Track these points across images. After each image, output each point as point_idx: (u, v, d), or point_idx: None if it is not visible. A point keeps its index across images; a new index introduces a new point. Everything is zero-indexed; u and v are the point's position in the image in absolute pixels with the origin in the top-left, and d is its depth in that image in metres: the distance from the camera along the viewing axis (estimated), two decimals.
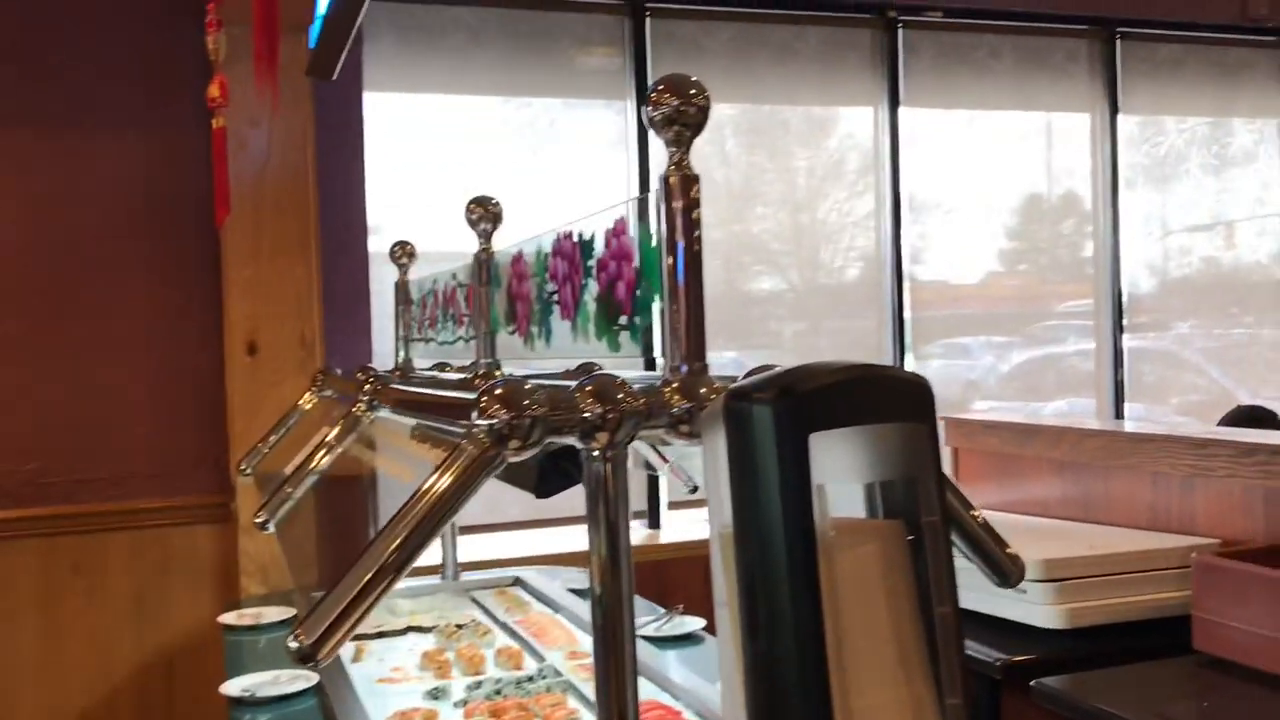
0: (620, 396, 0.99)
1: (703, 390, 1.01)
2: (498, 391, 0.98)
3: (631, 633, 1.00)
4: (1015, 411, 4.79)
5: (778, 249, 4.51)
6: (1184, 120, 5.10)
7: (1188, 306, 5.15)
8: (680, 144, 1.04)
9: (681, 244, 1.03)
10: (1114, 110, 4.89)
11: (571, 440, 1.01)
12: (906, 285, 4.56)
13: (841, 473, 0.91)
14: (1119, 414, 4.92)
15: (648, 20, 4.18)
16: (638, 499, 4.05)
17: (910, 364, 4.56)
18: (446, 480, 0.96)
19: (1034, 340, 4.93)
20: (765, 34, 4.38)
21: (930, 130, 4.67)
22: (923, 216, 4.66)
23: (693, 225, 1.03)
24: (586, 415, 0.98)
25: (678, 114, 1.02)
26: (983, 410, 4.70)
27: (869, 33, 4.53)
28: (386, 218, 3.76)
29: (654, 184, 1.05)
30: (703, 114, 1.03)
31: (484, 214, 1.73)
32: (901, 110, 4.55)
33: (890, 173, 4.54)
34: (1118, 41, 4.89)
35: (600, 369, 1.31)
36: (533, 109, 4.07)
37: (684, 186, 1.02)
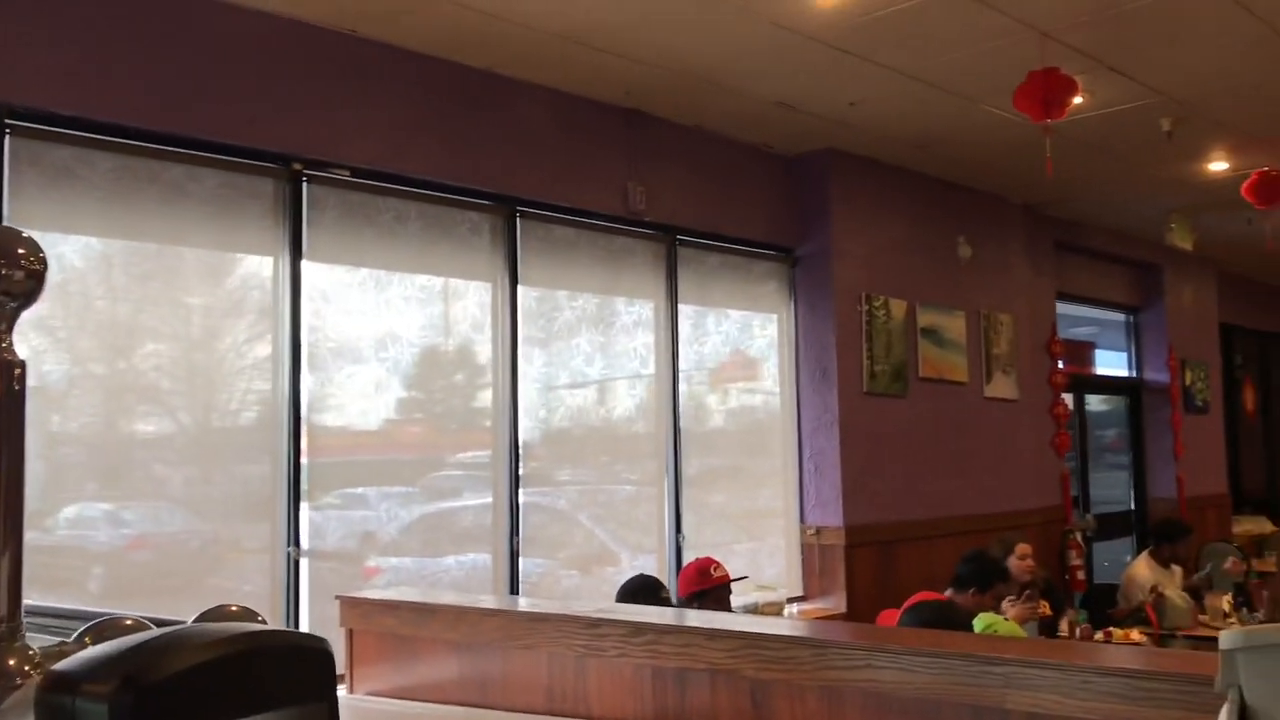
0: None
1: (12, 663, 0.72)
2: None
3: None
4: (413, 584, 4.67)
5: (168, 388, 4.07)
6: (576, 296, 5.46)
7: (575, 465, 5.43)
8: (1, 319, 0.76)
9: None
10: (514, 282, 5.11)
11: None
12: (304, 435, 4.32)
13: None
14: (515, 569, 4.99)
15: (7, 138, 3.62)
16: None
17: (304, 513, 4.31)
18: None
19: (435, 491, 4.89)
20: (155, 170, 4.00)
21: (340, 277, 4.55)
22: (327, 363, 4.47)
23: (16, 428, 0.75)
24: None
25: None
26: (384, 566, 4.55)
27: (272, 182, 4.33)
28: None
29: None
30: (37, 281, 0.76)
31: None
32: (307, 263, 4.38)
33: (290, 323, 4.31)
34: (518, 219, 5.15)
35: None
36: None
37: (3, 377, 0.74)
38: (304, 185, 4.41)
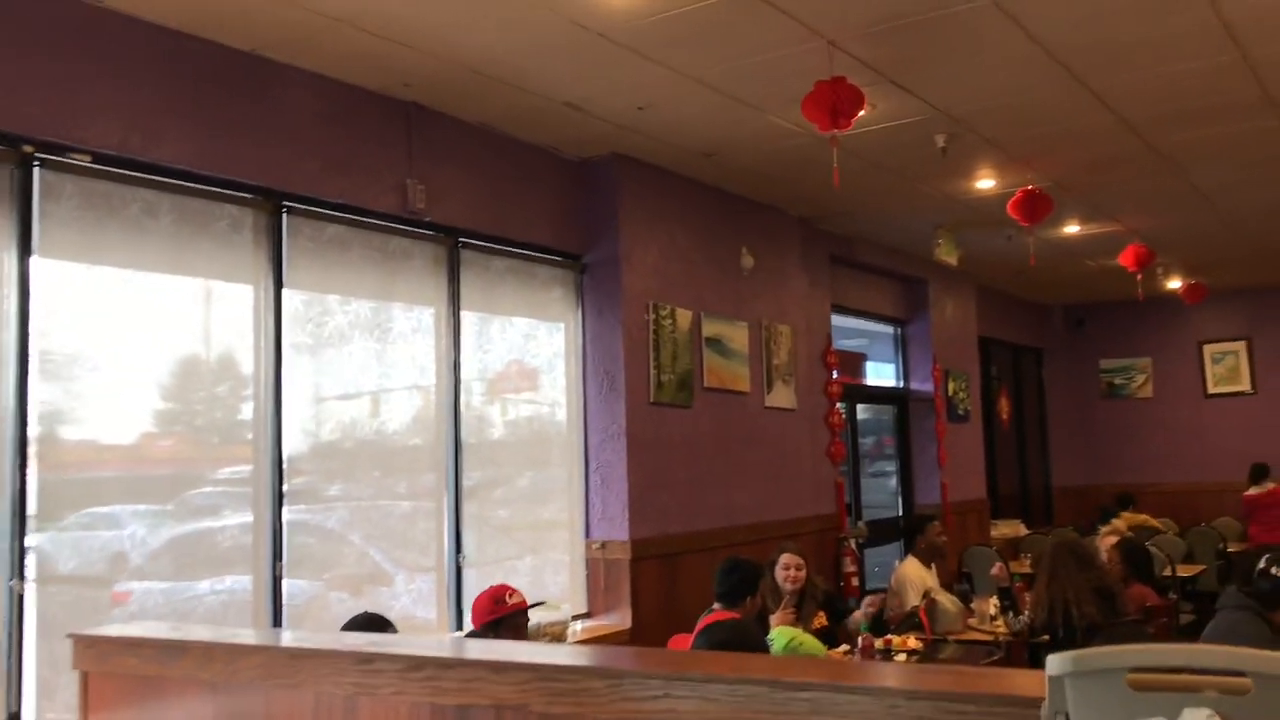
0: None
1: None
2: None
3: None
4: (166, 611, 4.23)
5: None
6: (349, 301, 5.10)
7: (347, 480, 5.07)
8: None
9: None
10: (279, 284, 4.72)
11: None
12: (32, 451, 3.82)
13: None
14: (277, 593, 4.61)
15: None
16: None
17: (31, 540, 3.82)
18: None
19: (190, 510, 4.45)
20: None
21: (78, 275, 4.07)
22: (61, 371, 3.98)
23: None
24: None
25: None
26: (133, 591, 4.08)
27: None
28: None
29: None
30: None
31: None
32: (38, 259, 3.89)
33: (17, 326, 3.82)
34: (284, 216, 4.76)
35: None
36: None
37: None
38: (35, 170, 3.94)
